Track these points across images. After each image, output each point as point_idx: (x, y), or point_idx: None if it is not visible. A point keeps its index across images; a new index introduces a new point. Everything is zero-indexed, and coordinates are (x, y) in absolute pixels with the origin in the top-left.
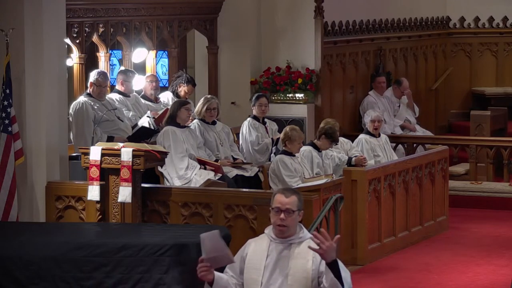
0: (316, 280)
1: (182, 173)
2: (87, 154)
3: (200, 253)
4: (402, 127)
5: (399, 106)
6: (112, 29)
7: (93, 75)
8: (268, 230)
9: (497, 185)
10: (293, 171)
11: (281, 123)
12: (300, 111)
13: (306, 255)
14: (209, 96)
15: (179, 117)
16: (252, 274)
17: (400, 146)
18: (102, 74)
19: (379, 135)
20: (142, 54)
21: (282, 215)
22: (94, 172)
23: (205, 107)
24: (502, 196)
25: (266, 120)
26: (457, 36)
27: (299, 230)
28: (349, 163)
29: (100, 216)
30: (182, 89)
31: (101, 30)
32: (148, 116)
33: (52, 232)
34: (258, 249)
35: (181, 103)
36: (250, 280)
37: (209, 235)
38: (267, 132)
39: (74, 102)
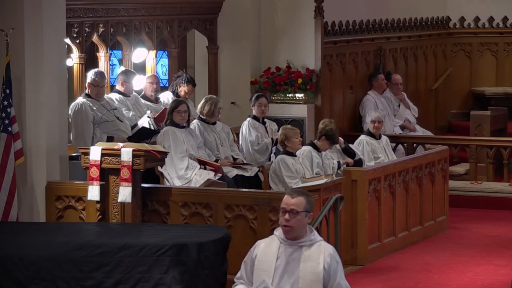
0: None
1: (182, 173)
2: (87, 154)
3: (200, 253)
4: (402, 127)
5: (399, 106)
6: (112, 29)
7: (90, 75)
8: (278, 232)
9: (497, 185)
10: (294, 172)
11: (281, 123)
12: (300, 111)
13: (317, 258)
14: (213, 96)
15: (175, 120)
16: (262, 275)
17: (400, 146)
18: (99, 74)
19: (380, 136)
20: (142, 54)
21: (286, 216)
22: (94, 172)
23: (217, 107)
24: (502, 196)
25: (266, 120)
26: (457, 36)
27: (309, 233)
28: (338, 167)
29: (100, 216)
30: (182, 89)
31: (101, 30)
32: (148, 117)
33: (52, 232)
34: (267, 251)
35: (173, 107)
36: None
37: None
38: (267, 132)
39: (72, 103)
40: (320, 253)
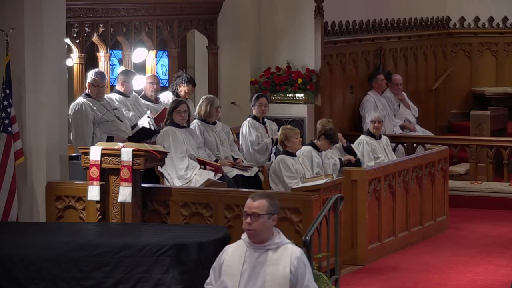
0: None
1: (182, 173)
2: (87, 154)
3: (200, 253)
4: (402, 127)
5: (399, 106)
6: (112, 29)
7: (90, 76)
8: (244, 236)
9: (497, 185)
10: (294, 172)
11: (281, 123)
12: (300, 111)
13: (283, 261)
14: (209, 96)
15: (175, 120)
16: (229, 280)
17: (400, 146)
18: (99, 74)
19: (380, 137)
20: (142, 54)
21: (248, 219)
22: (94, 172)
23: (213, 107)
24: (502, 196)
25: (266, 120)
26: (457, 36)
27: (275, 235)
28: (341, 164)
29: (100, 216)
30: (182, 89)
31: (101, 30)
32: (148, 117)
33: (52, 232)
34: (234, 255)
35: (173, 107)
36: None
37: None
38: (267, 132)
39: (72, 103)
40: (287, 256)
